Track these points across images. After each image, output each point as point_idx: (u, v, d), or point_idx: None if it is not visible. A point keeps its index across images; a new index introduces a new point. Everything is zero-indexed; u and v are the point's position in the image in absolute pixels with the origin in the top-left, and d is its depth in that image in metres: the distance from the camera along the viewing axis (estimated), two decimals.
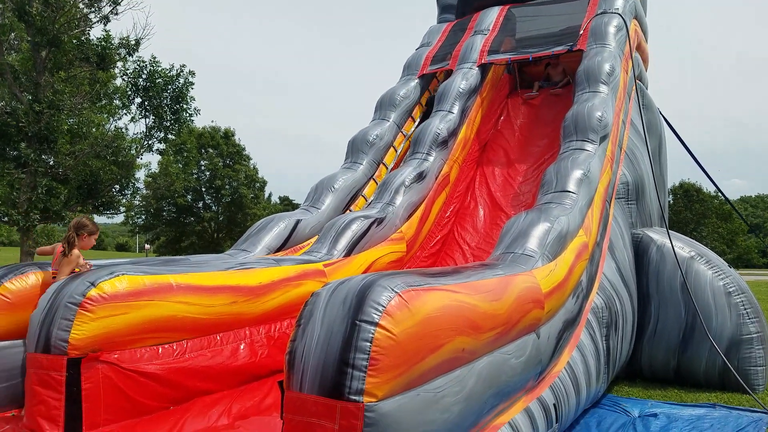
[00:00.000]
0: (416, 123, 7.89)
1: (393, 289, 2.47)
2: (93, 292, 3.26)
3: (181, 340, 3.75)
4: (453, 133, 7.30)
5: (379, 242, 6.21)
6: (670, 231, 6.28)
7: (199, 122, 42.84)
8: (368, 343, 2.29)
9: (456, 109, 7.41)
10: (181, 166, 33.76)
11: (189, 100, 18.43)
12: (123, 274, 3.47)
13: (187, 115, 18.48)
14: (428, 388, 2.57)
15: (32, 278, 3.78)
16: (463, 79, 7.63)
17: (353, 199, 7.04)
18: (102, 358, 3.24)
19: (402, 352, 2.38)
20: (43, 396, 3.10)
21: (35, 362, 3.17)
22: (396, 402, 2.35)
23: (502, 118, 8.35)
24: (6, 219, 14.98)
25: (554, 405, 3.91)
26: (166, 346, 3.65)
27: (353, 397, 2.23)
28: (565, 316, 4.36)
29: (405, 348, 2.40)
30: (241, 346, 4.16)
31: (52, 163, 15.87)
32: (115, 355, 3.32)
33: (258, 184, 42.87)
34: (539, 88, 8.34)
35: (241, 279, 4.29)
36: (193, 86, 18.37)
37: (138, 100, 18.18)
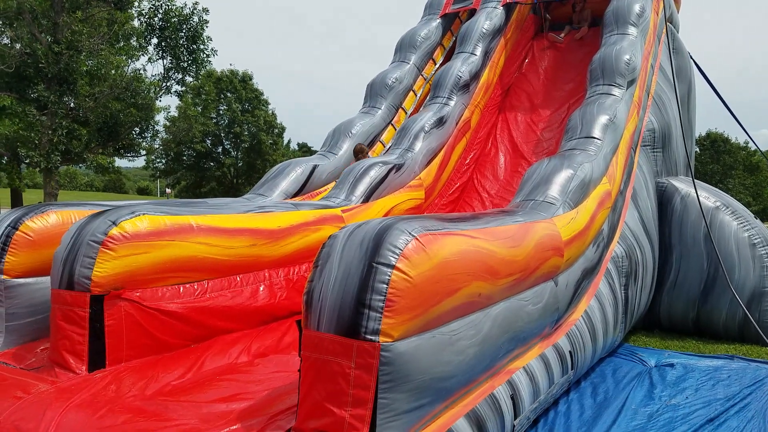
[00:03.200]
0: (437, 65, 7.64)
1: (410, 233, 2.44)
2: (114, 231, 3.29)
3: (202, 280, 3.81)
4: (475, 76, 7.07)
5: (398, 189, 6.16)
6: (695, 180, 6.10)
7: (218, 65, 42.22)
8: (385, 285, 2.28)
9: (479, 51, 7.14)
10: (199, 110, 33.62)
11: (205, 40, 18.12)
12: (144, 214, 3.50)
13: (204, 55, 18.23)
14: (444, 330, 2.59)
15: (53, 217, 3.83)
16: (487, 19, 7.31)
17: (371, 144, 6.95)
18: (124, 296, 3.31)
19: (418, 294, 2.38)
20: (67, 331, 3.20)
21: (59, 298, 3.25)
22: (411, 343, 2.37)
23: (526, 61, 8.04)
24: (27, 161, 15.22)
25: (570, 352, 3.93)
26: (187, 285, 3.71)
27: (369, 337, 2.25)
28: (585, 265, 4.33)
29: (421, 291, 2.39)
30: (261, 288, 4.22)
31: (72, 105, 15.91)
32: (137, 293, 3.39)
33: (276, 130, 42.66)
34: (568, 32, 7.97)
35: (260, 222, 4.30)
36: (207, 24, 18.01)
37: (154, 40, 17.94)
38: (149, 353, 3.40)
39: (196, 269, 3.74)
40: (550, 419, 3.78)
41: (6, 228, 3.68)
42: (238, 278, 4.08)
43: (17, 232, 3.66)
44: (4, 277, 3.61)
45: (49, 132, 14.57)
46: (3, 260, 3.60)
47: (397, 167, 6.07)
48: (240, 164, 40.93)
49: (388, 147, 6.77)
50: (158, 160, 37.92)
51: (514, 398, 3.15)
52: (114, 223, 3.32)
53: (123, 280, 3.31)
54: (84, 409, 2.67)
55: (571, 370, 3.94)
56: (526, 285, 3.37)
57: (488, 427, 2.85)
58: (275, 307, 4.19)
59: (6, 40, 15.47)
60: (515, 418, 3.13)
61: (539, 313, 3.53)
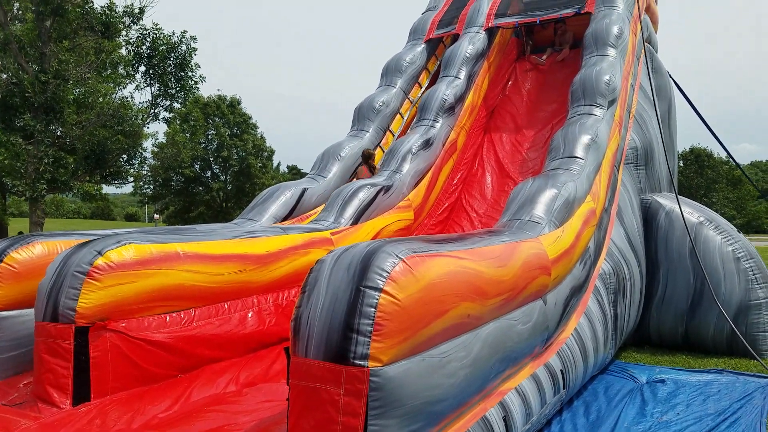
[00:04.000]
0: (423, 89, 7.76)
1: (397, 255, 2.45)
2: (100, 261, 3.26)
3: (189, 308, 3.78)
4: (460, 99, 7.18)
5: (387, 210, 6.19)
6: (678, 196, 6.19)
7: (206, 91, 42.45)
8: (373, 309, 2.28)
9: (463, 75, 7.27)
10: (188, 135, 33.68)
11: (193, 67, 18.24)
12: (130, 243, 3.47)
13: (193, 82, 18.32)
14: (434, 353, 2.58)
15: (38, 248, 3.80)
16: (470, 43, 7.47)
17: (359, 166, 6.98)
18: (110, 327, 3.27)
19: (407, 317, 2.38)
20: (51, 364, 3.14)
21: (43, 331, 3.20)
22: (401, 367, 2.36)
23: (510, 83, 8.19)
24: (13, 190, 15.08)
25: (561, 371, 3.93)
26: (174, 314, 3.67)
27: (358, 362, 2.24)
28: (573, 283, 4.35)
29: (410, 313, 2.39)
30: (249, 314, 4.19)
31: (59, 133, 15.86)
32: (123, 324, 3.34)
33: (266, 154, 42.75)
34: (549, 54, 8.14)
35: (248, 247, 4.29)
36: (195, 52, 18.15)
37: (142, 68, 18.02)
38: (135, 385, 3.34)
39: (183, 297, 3.71)
40: None
41: None
42: (226, 305, 4.05)
43: (1, 264, 3.62)
44: None
45: (35, 161, 14.48)
46: None
47: (386, 189, 6.11)
48: (229, 188, 40.88)
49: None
50: (146, 186, 37.76)
51: (507, 420, 3.13)
52: (100, 253, 3.29)
53: (108, 311, 3.27)
54: None
55: (563, 389, 3.93)
56: (515, 304, 3.38)
57: None
58: (264, 333, 4.15)
59: None
60: None
61: (529, 332, 3.54)
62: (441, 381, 2.60)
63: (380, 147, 7.11)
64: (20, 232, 4.07)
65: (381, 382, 2.26)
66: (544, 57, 8.12)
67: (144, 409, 3.07)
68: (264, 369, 3.79)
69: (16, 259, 3.66)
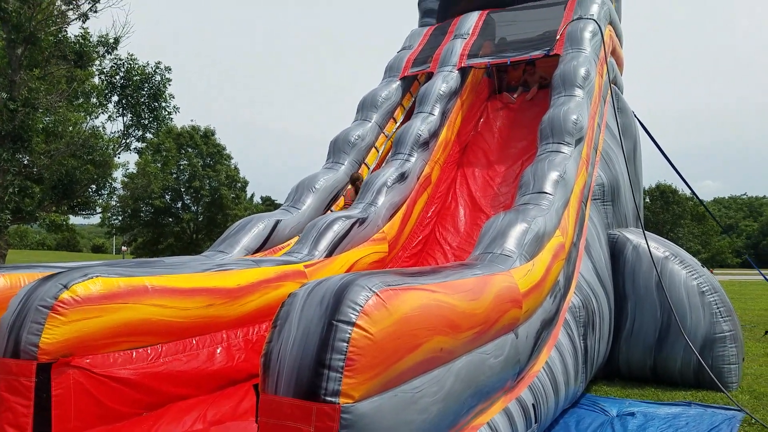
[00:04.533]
0: (398, 124, 7.92)
1: (371, 289, 2.46)
2: (65, 295, 3.17)
3: (156, 344, 3.68)
4: (434, 134, 7.34)
5: (361, 242, 6.20)
6: (645, 231, 6.38)
7: (180, 121, 42.28)
8: (345, 344, 2.27)
9: (437, 111, 7.46)
10: (159, 166, 33.32)
11: (167, 98, 18.21)
12: (97, 276, 3.39)
13: (166, 113, 18.26)
14: (406, 388, 2.57)
15: (1, 281, 3.68)
16: (444, 81, 7.69)
17: (334, 199, 7.03)
18: (73, 363, 3.15)
19: (379, 351, 2.37)
20: (11, 403, 3.00)
21: (4, 368, 3.06)
22: (373, 403, 2.34)
23: (481, 120, 8.43)
24: None
25: (533, 405, 3.93)
26: (141, 350, 3.57)
27: (329, 399, 2.21)
28: (543, 316, 4.40)
29: (382, 348, 2.39)
30: (218, 350, 4.10)
31: (26, 162, 15.53)
32: (87, 360, 3.23)
33: (239, 184, 42.50)
34: (520, 93, 8.43)
35: (218, 281, 4.23)
36: (170, 83, 18.17)
37: (115, 98, 17.91)
38: (99, 424, 3.22)
39: (150, 333, 3.61)
40: None
41: None
42: (194, 341, 3.95)
43: None
44: None
45: (0, 190, 14.11)
46: None
47: (361, 221, 6.13)
48: (200, 219, 40.34)
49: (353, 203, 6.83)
50: (114, 217, 37.01)
51: None
52: (65, 287, 3.20)
53: (73, 347, 3.16)
54: None
55: (535, 423, 3.94)
56: (487, 338, 3.40)
57: None
58: (233, 370, 4.05)
59: None
60: None
61: (501, 365, 3.55)
62: (413, 417, 2.58)
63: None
64: None
65: (352, 419, 2.24)
66: (515, 96, 8.39)
67: None
68: (232, 407, 3.69)
69: None
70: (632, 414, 4.93)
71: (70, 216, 19.70)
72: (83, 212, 18.81)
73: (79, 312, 3.19)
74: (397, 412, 2.47)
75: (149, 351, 3.61)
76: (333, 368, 2.24)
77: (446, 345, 2.88)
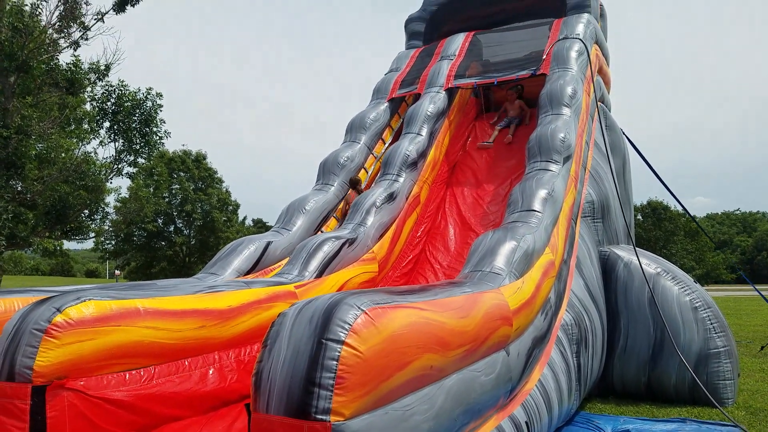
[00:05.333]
0: (386, 145, 8.03)
1: (359, 307, 2.50)
2: (59, 318, 3.19)
3: (149, 365, 3.68)
4: (422, 154, 7.44)
5: (351, 263, 6.23)
6: (636, 248, 6.45)
7: (171, 145, 42.45)
8: (335, 362, 2.30)
9: (425, 132, 7.57)
10: (151, 190, 33.35)
11: (158, 123, 18.34)
12: (90, 299, 3.41)
13: (157, 137, 18.37)
14: (397, 406, 2.59)
15: None
16: (431, 102, 7.82)
17: (325, 220, 7.08)
18: (68, 386, 3.16)
19: (369, 369, 2.40)
20: (6, 425, 3.01)
21: None
22: (364, 420, 2.36)
23: (470, 139, 8.55)
24: None
25: (526, 423, 3.94)
26: (134, 372, 3.57)
27: (320, 417, 2.24)
28: (535, 333, 4.43)
29: (372, 365, 2.42)
30: (210, 371, 4.10)
31: (19, 188, 15.53)
32: (81, 382, 3.24)
33: (231, 207, 42.51)
34: (499, 130, 8.26)
35: (209, 302, 4.25)
36: (161, 108, 18.33)
37: (107, 124, 18.01)
38: None
39: (143, 355, 3.62)
40: None
41: None
42: (187, 362, 3.95)
43: None
44: None
45: None
46: None
47: (351, 241, 6.18)
48: (193, 242, 40.23)
49: (341, 222, 6.91)
50: (108, 242, 36.85)
51: None
52: (59, 310, 3.23)
53: (67, 369, 3.18)
54: None
55: None
56: (478, 355, 3.43)
57: None
58: (225, 390, 4.05)
59: None
60: None
61: (492, 383, 3.57)
62: None
63: (345, 200, 7.24)
64: None
65: None
66: (491, 140, 8.25)
67: None
68: (225, 427, 3.69)
69: None
70: (627, 431, 4.94)
71: (64, 241, 19.66)
72: (76, 237, 18.76)
73: (72, 335, 3.21)
74: (388, 430, 2.49)
75: (142, 373, 3.62)
76: (323, 386, 2.27)
77: (436, 363, 2.91)
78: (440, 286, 3.73)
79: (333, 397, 2.26)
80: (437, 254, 7.29)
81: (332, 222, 7.21)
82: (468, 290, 3.72)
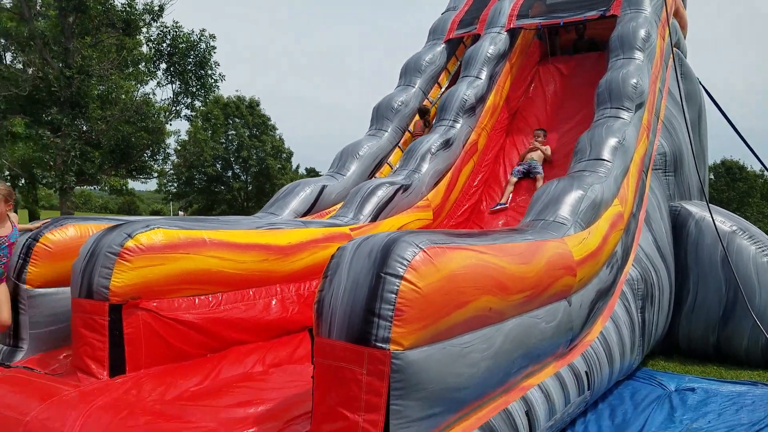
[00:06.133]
0: (443, 89, 7.76)
1: (418, 245, 2.48)
2: (130, 243, 3.36)
3: (216, 292, 3.86)
4: (481, 99, 7.16)
5: (405, 209, 6.20)
6: (710, 204, 6.07)
7: (225, 91, 42.91)
8: (393, 295, 2.31)
9: (484, 75, 7.24)
10: (209, 134, 34.17)
11: (213, 66, 18.49)
12: (158, 228, 3.57)
13: (212, 80, 18.57)
14: (455, 342, 2.60)
15: (71, 230, 3.92)
16: (492, 43, 7.43)
17: (378, 166, 7.02)
18: (141, 306, 3.37)
19: (427, 305, 2.40)
20: (88, 338, 3.25)
21: (79, 307, 3.32)
22: (422, 352, 2.38)
23: (532, 85, 8.15)
24: (44, 182, 15.47)
25: (586, 372, 3.90)
26: (202, 297, 3.76)
27: (380, 345, 2.27)
28: (599, 286, 4.31)
29: (430, 301, 2.41)
30: (273, 302, 4.26)
31: (85, 128, 16.23)
32: (154, 303, 3.44)
33: (284, 155, 43.11)
34: (515, 183, 7.19)
35: (270, 238, 4.36)
36: (215, 50, 18.41)
37: (163, 66, 18.33)
38: (167, 361, 3.45)
39: (210, 282, 3.79)
40: None
41: (27, 240, 3.78)
42: (251, 292, 4.12)
43: (37, 244, 3.75)
44: (26, 287, 3.69)
45: (63, 153, 14.87)
46: (25, 271, 3.70)
47: (405, 188, 6.13)
48: (250, 188, 41.29)
49: (395, 169, 6.85)
50: (170, 184, 38.36)
51: (529, 414, 3.13)
52: (129, 236, 3.39)
53: (139, 291, 3.37)
54: (107, 411, 2.71)
55: (588, 390, 3.90)
56: (538, 303, 3.37)
57: None
58: (287, 321, 4.21)
59: (19, 65, 15.93)
60: None
61: (552, 331, 3.52)
62: (462, 370, 2.62)
63: (399, 146, 7.13)
64: (58, 216, 4.24)
65: (402, 365, 2.29)
66: (504, 200, 6.87)
67: (176, 383, 3.17)
68: (289, 353, 3.85)
69: (51, 240, 3.79)
70: (692, 389, 4.75)
71: (129, 180, 20.58)
72: (140, 176, 19.60)
73: (143, 259, 3.39)
74: (446, 363, 2.51)
75: (210, 299, 3.80)
76: (383, 317, 2.29)
77: (495, 305, 2.88)
78: (501, 231, 3.65)
79: (392, 328, 2.29)
80: (494, 204, 7.14)
81: (386, 168, 7.16)
82: (530, 237, 3.63)
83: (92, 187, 19.40)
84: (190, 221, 4.06)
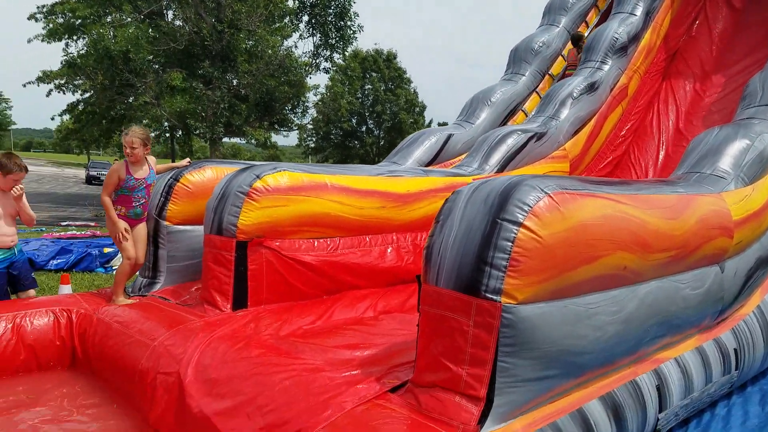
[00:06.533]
0: (590, 27, 7.01)
1: (543, 190, 2.23)
2: (258, 184, 3.54)
3: (334, 236, 3.95)
4: (634, 38, 6.34)
5: (538, 160, 5.81)
6: None
7: (363, 44, 43.44)
8: (509, 243, 2.11)
9: (639, 11, 6.39)
10: (346, 88, 35.14)
11: (352, 16, 18.70)
12: (284, 170, 3.70)
13: (351, 32, 18.83)
14: (579, 301, 2.35)
15: (209, 172, 4.24)
16: None
17: (512, 113, 6.63)
18: (265, 244, 3.56)
19: (548, 256, 2.17)
20: (215, 272, 3.52)
21: (210, 242, 3.60)
22: (539, 308, 2.18)
23: (696, 22, 7.03)
24: (196, 132, 17.12)
25: (735, 350, 3.41)
26: (321, 240, 3.87)
27: (490, 296, 2.11)
28: (760, 253, 3.72)
29: (552, 253, 2.18)
30: (389, 250, 4.27)
31: (235, 82, 17.48)
32: (277, 243, 3.61)
33: (417, 109, 43.02)
34: None
35: (390, 185, 4.33)
36: (354, 1, 18.57)
37: (305, 18, 18.93)
38: (285, 299, 3.63)
39: (329, 226, 3.88)
40: (704, 421, 3.30)
41: (169, 180, 4.14)
42: (368, 238, 4.16)
43: (178, 184, 4.10)
44: (166, 223, 4.07)
45: (214, 105, 16.23)
46: (166, 208, 4.06)
47: (538, 136, 5.70)
48: (381, 143, 42.11)
49: (530, 116, 6.41)
50: (309, 138, 40.48)
51: (660, 390, 2.79)
52: (258, 177, 3.56)
53: (264, 230, 3.55)
54: (225, 341, 2.91)
55: (735, 370, 3.40)
56: (684, 266, 2.95)
57: (626, 415, 2.56)
58: (402, 269, 4.21)
59: (177, 22, 17.42)
60: (660, 412, 2.77)
61: (699, 300, 3.08)
62: (585, 332, 2.36)
63: (536, 92, 6.62)
64: (198, 159, 4.62)
65: (514, 319, 2.11)
66: None
67: (291, 320, 3.31)
68: (400, 301, 3.86)
69: (190, 180, 4.13)
70: None
71: (272, 134, 22.01)
72: (281, 129, 20.83)
73: (269, 199, 3.55)
74: (566, 323, 2.28)
75: (329, 242, 3.91)
76: (495, 266, 2.11)
77: (631, 264, 2.55)
78: (646, 182, 3.23)
79: (505, 279, 2.10)
80: (643, 157, 6.41)
81: (520, 116, 6.72)
82: (681, 191, 3.16)
83: (240, 140, 21.07)
84: (315, 166, 4.18)
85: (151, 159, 4.10)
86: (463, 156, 5.92)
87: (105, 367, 3.29)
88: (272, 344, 2.86)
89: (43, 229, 10.61)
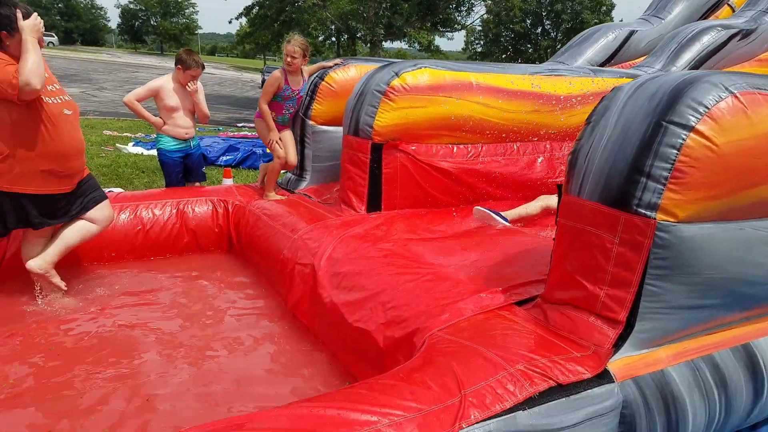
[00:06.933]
0: None
1: (727, 88, 1.76)
2: (396, 82, 3.37)
3: (477, 143, 3.71)
4: None
5: (740, 62, 4.78)
6: None
7: None
8: (674, 150, 1.73)
9: None
10: None
11: None
12: (425, 67, 3.49)
13: None
14: (761, 225, 1.91)
15: (353, 71, 4.19)
16: None
17: (715, 7, 5.46)
18: (400, 147, 3.46)
19: (723, 169, 1.75)
20: (352, 174, 3.56)
21: (347, 143, 3.60)
22: (704, 229, 1.81)
23: None
24: (358, 35, 17.22)
25: None
26: (461, 146, 3.66)
27: (643, 211, 1.79)
28: None
29: (729, 165, 1.75)
30: (539, 160, 3.92)
31: None
32: (413, 147, 3.50)
33: (604, 8, 38.16)
34: None
35: (547, 86, 3.88)
36: None
37: None
38: (419, 205, 3.57)
39: (472, 130, 3.63)
40: None
41: (314, 78, 4.17)
42: (515, 146, 3.84)
43: (322, 83, 4.12)
44: (311, 122, 4.17)
45: (375, 5, 16.02)
46: (311, 108, 4.14)
47: (744, 33, 4.64)
48: (558, 47, 38.58)
49: (738, 10, 5.22)
50: (476, 42, 38.65)
51: None
52: (397, 74, 3.40)
53: (400, 132, 3.44)
54: (356, 240, 2.98)
55: None
56: None
57: None
58: (554, 183, 3.84)
59: None
60: None
61: None
62: (763, 260, 1.94)
63: None
64: (344, 58, 4.54)
65: (671, 240, 1.78)
66: None
67: (423, 226, 3.25)
68: (541, 215, 3.55)
69: (334, 79, 4.13)
70: None
71: (435, 37, 21.29)
72: (445, 29, 19.99)
73: (407, 99, 3.39)
74: (739, 248, 1.88)
75: (470, 148, 3.69)
76: (653, 177, 1.76)
77: None
78: None
79: (664, 192, 1.75)
80: None
81: (724, 10, 5.51)
82: None
83: (402, 44, 20.73)
84: (461, 63, 3.89)
85: (307, 70, 4.12)
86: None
87: (254, 254, 3.62)
88: (400, 247, 2.85)
89: (221, 128, 11.82)
